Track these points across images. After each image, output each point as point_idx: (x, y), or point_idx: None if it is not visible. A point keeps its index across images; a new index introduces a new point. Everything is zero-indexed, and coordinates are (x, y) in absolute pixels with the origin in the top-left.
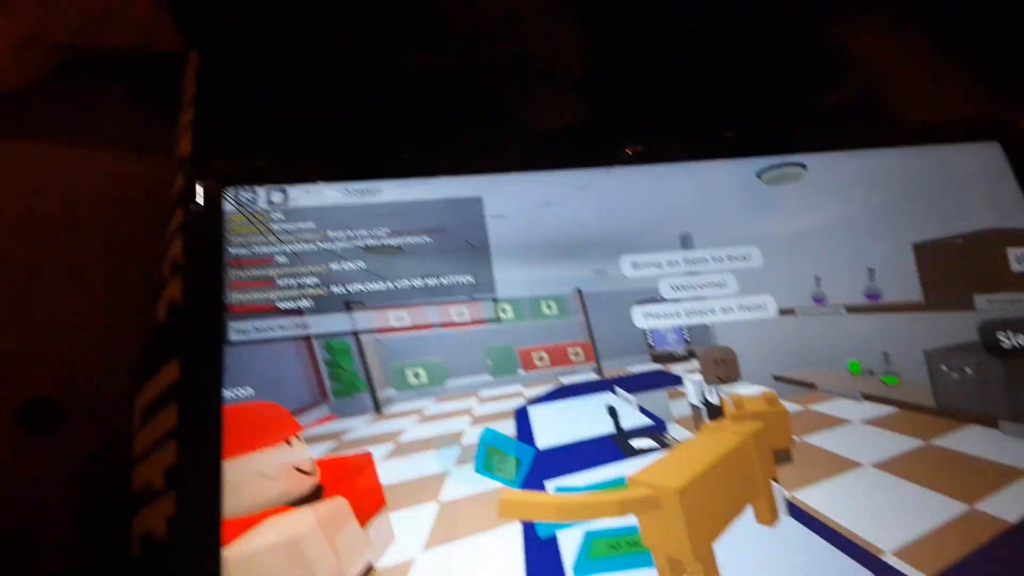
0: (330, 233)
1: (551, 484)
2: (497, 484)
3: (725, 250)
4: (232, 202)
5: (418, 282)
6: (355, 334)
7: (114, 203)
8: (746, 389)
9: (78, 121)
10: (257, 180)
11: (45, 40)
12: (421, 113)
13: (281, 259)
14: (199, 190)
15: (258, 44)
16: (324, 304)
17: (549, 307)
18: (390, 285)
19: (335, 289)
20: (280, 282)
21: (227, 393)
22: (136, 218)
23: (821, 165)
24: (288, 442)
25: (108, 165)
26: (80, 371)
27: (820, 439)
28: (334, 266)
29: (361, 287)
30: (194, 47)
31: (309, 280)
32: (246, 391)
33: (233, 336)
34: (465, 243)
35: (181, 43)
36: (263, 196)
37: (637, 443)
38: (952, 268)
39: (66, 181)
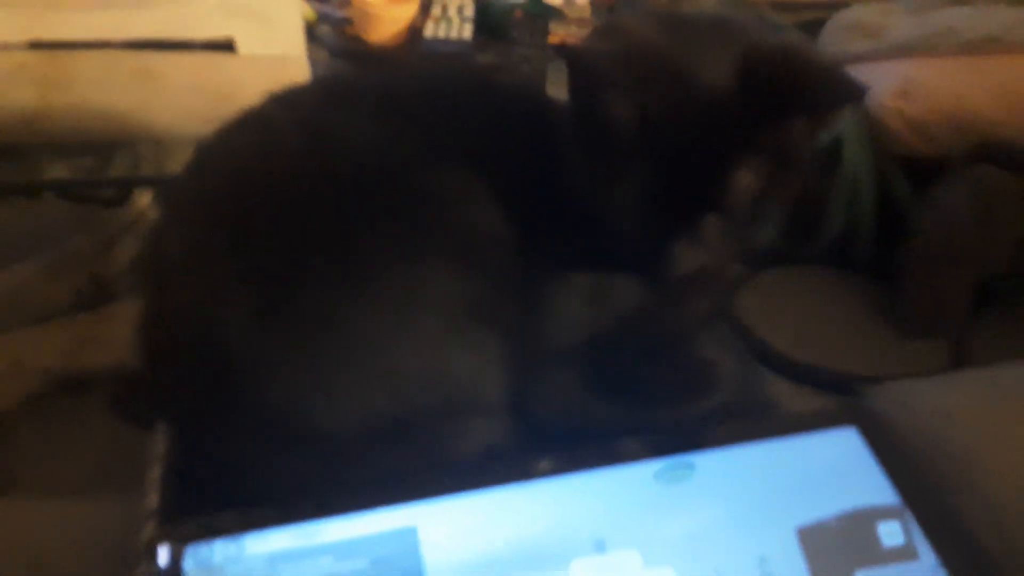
0: None
1: None
2: None
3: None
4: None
5: None
6: None
7: (83, 556)
8: None
9: (59, 444)
10: (217, 533)
11: (28, 367)
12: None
13: None
14: (161, 552)
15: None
16: None
17: None
18: None
19: None
20: None
21: None
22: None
23: (708, 464)
24: None
25: (78, 519)
26: None
27: None
28: None
29: None
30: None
31: None
32: None
33: None
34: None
35: None
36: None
37: None
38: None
39: (37, 537)
